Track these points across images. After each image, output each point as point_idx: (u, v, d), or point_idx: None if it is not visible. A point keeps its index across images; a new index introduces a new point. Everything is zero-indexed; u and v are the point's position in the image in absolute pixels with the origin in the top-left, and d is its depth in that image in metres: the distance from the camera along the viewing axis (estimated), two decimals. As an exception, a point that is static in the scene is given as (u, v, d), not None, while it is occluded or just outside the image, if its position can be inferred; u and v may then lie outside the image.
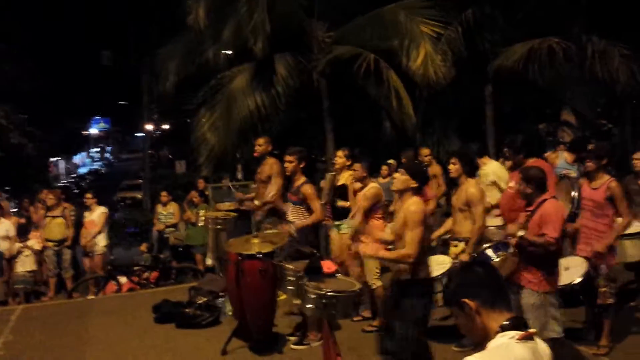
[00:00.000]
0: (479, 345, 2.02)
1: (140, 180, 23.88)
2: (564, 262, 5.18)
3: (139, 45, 20.80)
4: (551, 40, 10.79)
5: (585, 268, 5.04)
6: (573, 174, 7.06)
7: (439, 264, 5.18)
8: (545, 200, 4.48)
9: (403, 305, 4.23)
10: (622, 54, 10.74)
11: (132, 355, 5.88)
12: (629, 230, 5.62)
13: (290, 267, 4.98)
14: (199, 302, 6.73)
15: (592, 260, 5.14)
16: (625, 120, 15.63)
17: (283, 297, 6.23)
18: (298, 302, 4.79)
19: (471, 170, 5.46)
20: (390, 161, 8.83)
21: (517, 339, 1.93)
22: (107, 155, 73.46)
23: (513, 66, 11.15)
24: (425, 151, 8.84)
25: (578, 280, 4.95)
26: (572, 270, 5.06)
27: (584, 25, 11.35)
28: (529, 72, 11.09)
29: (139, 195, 22.35)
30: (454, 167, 5.33)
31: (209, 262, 9.39)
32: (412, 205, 4.20)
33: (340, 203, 6.62)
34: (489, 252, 4.60)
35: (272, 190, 6.69)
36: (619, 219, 5.21)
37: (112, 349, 6.13)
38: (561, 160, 7.42)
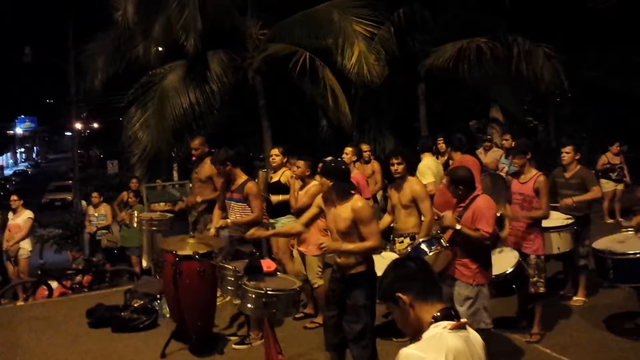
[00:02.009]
0: (415, 337, 2.08)
1: (70, 182, 23.02)
2: (496, 251, 5.42)
3: (64, 41, 20.00)
4: (479, 41, 11.20)
5: (516, 258, 5.26)
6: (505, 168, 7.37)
7: (385, 260, 5.27)
8: (477, 196, 4.66)
9: (351, 299, 4.28)
10: (546, 54, 11.24)
11: (65, 363, 5.69)
12: (556, 223, 5.92)
13: (230, 266, 4.96)
14: (135, 305, 6.57)
15: (521, 251, 5.37)
16: (549, 117, 16.40)
17: (228, 299, 6.18)
18: (238, 302, 4.76)
19: (411, 168, 5.58)
20: (328, 159, 8.88)
21: (450, 329, 2.01)
22: (34, 155, 70.32)
23: (444, 65, 11.49)
24: (365, 147, 8.94)
25: (510, 270, 5.16)
26: (503, 260, 5.27)
27: (510, 26, 11.81)
28: (459, 71, 11.45)
29: (68, 197, 21.54)
30: (401, 167, 5.42)
31: (145, 264, 9.17)
32: (358, 202, 4.25)
33: (273, 198, 6.61)
34: (423, 246, 4.71)
35: (216, 190, 6.59)
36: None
37: (44, 356, 5.90)
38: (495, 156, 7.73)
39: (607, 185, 10.10)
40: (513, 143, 7.61)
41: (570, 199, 6.19)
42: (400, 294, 2.11)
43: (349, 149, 7.66)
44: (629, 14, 12.83)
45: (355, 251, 4.26)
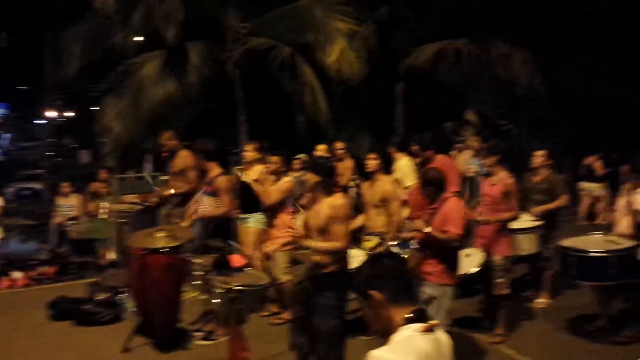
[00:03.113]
0: (384, 335, 2.05)
1: (40, 170, 22.58)
2: (462, 252, 5.43)
3: (40, 27, 19.63)
4: (458, 43, 11.24)
5: (481, 259, 5.28)
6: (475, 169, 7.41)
7: (353, 258, 5.23)
8: (447, 198, 4.66)
9: (320, 298, 4.23)
10: (522, 58, 11.33)
11: (24, 355, 5.54)
12: (523, 225, 5.97)
13: (197, 261, 4.88)
14: (100, 298, 6.45)
15: (488, 252, 5.38)
16: (522, 121, 16.54)
17: (194, 293, 6.08)
18: (205, 297, 4.68)
19: (386, 167, 5.55)
20: (302, 155, 8.82)
21: (421, 332, 1.98)
22: (5, 142, 68.82)
23: (423, 66, 11.51)
24: (339, 144, 8.88)
25: (474, 270, 5.19)
26: (469, 260, 5.29)
27: (489, 29, 11.87)
28: (437, 72, 11.48)
29: (38, 186, 21.11)
30: (374, 162, 5.40)
31: (112, 256, 9.00)
32: (337, 200, 4.23)
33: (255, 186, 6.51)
34: (396, 250, 4.73)
35: (189, 183, 6.50)
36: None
37: (2, 347, 5.73)
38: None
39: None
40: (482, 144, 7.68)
41: (540, 208, 6.25)
42: (373, 292, 2.07)
43: (321, 147, 7.62)
44: (612, 20, 12.97)
45: (323, 249, 4.21)
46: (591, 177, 10.81)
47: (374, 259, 2.21)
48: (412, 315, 2.03)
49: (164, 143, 6.85)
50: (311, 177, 4.34)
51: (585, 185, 10.88)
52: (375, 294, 2.06)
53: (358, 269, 2.23)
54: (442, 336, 2.10)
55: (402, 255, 4.57)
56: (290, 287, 5.94)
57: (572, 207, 6.63)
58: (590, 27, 13.13)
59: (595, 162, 10.86)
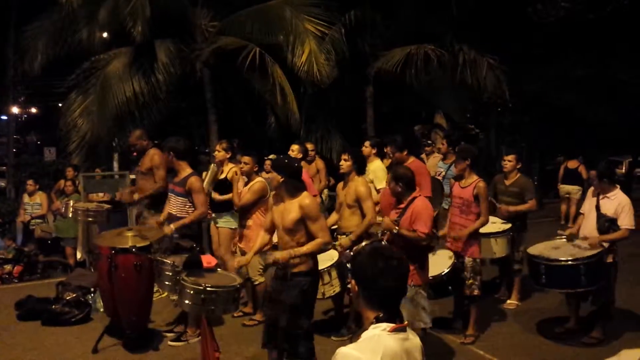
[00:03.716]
0: (357, 321, 2.11)
1: (4, 167, 22.01)
2: (434, 253, 5.55)
3: (3, 20, 19.10)
4: (426, 47, 11.40)
5: (452, 260, 5.40)
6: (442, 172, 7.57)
7: (328, 257, 5.30)
8: (415, 198, 4.76)
9: (290, 297, 4.25)
10: (490, 64, 11.56)
11: (-11, 356, 5.44)
12: (494, 229, 6.11)
13: (168, 261, 4.85)
14: (68, 298, 6.36)
15: (459, 254, 5.51)
16: (490, 126, 16.89)
17: (165, 294, 6.05)
18: (175, 297, 4.66)
19: (360, 168, 5.61)
20: (272, 156, 8.83)
21: (389, 331, 2.03)
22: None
23: (392, 69, 11.63)
24: (310, 145, 8.93)
25: (445, 271, 5.30)
26: (439, 262, 5.40)
27: (456, 35, 12.08)
28: (406, 76, 11.62)
29: (1, 184, 20.59)
30: (346, 164, 5.47)
31: (79, 255, 8.87)
32: (306, 199, 4.24)
33: (217, 197, 6.50)
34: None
35: (156, 182, 6.40)
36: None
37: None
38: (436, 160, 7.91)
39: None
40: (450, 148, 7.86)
41: (508, 207, 6.41)
42: (353, 282, 2.14)
43: (295, 147, 7.65)
44: (571, 29, 13.36)
45: (310, 252, 4.24)
46: (571, 179, 11.31)
47: (373, 254, 2.11)
48: (382, 315, 2.06)
49: (134, 142, 6.67)
50: (275, 177, 4.36)
51: (566, 188, 11.36)
52: (354, 285, 2.13)
53: (357, 252, 2.25)
54: (413, 337, 2.14)
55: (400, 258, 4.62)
56: (264, 288, 5.97)
57: (540, 210, 6.80)
58: (546, 38, 13.60)
59: (579, 166, 11.34)
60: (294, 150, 7.62)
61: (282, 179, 4.32)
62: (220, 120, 11.68)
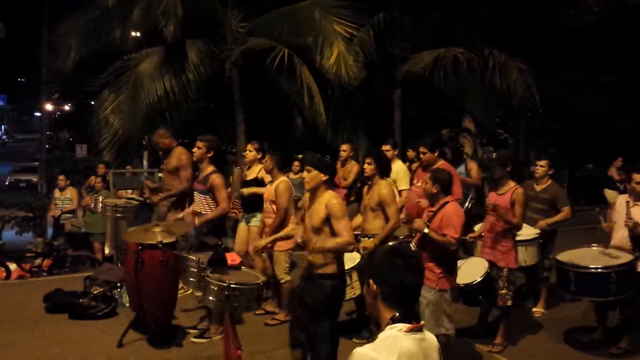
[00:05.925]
0: (376, 324, 2.11)
1: (36, 163, 22.51)
2: (466, 260, 5.48)
3: (38, 18, 19.54)
4: (456, 50, 11.32)
5: (486, 269, 5.31)
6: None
7: (349, 259, 5.29)
8: (447, 202, 4.72)
9: (315, 298, 4.24)
10: (520, 68, 11.42)
11: (18, 346, 5.54)
12: (521, 238, 5.99)
13: (193, 258, 4.90)
14: (95, 292, 6.47)
15: (493, 263, 5.42)
16: (519, 131, 16.67)
17: (190, 291, 6.11)
18: (200, 294, 4.71)
19: (384, 171, 5.57)
20: (301, 156, 8.85)
21: (405, 331, 2.02)
22: (2, 135, 68.32)
23: (420, 72, 11.59)
24: (345, 146, 8.84)
25: (478, 280, 5.21)
26: (472, 270, 5.32)
27: (486, 39, 11.97)
28: (434, 79, 11.56)
29: (34, 179, 21.08)
30: (369, 167, 5.45)
31: (107, 251, 9.03)
32: (333, 199, 4.24)
33: (245, 190, 6.51)
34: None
35: (181, 183, 6.47)
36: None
37: (-4, 339, 5.76)
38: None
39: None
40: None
41: (545, 221, 6.29)
42: (371, 282, 2.13)
43: (345, 146, 7.69)
44: (599, 35, 13.14)
45: (333, 248, 4.24)
46: (615, 185, 11.00)
47: (391, 252, 2.15)
48: (398, 315, 2.06)
49: (157, 140, 6.75)
50: (317, 176, 4.26)
51: (611, 193, 11.01)
52: (372, 285, 2.13)
53: (374, 252, 2.26)
54: (430, 337, 2.13)
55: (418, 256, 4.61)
56: (290, 287, 5.98)
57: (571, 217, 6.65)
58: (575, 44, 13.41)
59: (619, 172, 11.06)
60: (346, 150, 7.69)
61: (326, 177, 4.32)
62: (248, 120, 11.77)
